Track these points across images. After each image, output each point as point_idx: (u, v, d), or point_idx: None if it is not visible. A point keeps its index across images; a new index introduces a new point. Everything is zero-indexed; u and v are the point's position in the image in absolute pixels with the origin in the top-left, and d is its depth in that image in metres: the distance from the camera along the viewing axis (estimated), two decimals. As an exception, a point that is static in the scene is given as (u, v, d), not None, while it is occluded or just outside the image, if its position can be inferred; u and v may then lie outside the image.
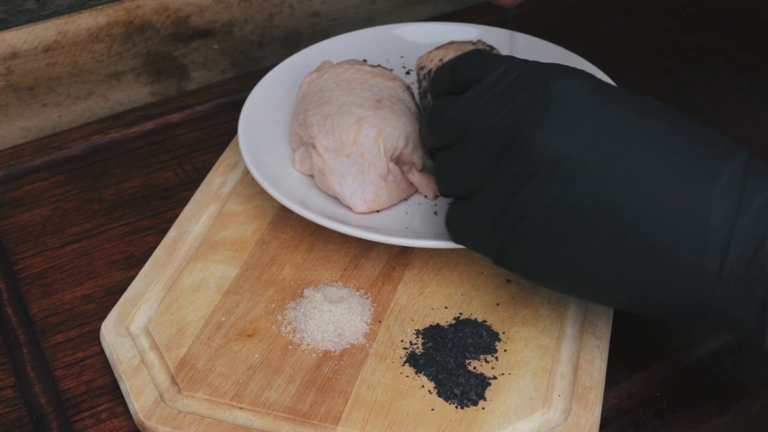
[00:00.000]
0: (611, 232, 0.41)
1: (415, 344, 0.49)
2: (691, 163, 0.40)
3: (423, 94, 0.57)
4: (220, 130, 0.68)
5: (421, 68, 0.58)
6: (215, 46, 0.78)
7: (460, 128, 0.45)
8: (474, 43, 0.57)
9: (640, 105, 0.42)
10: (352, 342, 0.49)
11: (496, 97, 0.44)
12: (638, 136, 0.41)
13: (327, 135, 0.54)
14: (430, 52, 0.58)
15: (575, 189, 0.41)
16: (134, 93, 0.76)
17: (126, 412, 0.47)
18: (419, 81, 0.58)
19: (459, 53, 0.55)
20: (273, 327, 0.50)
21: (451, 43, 0.58)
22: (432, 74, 0.54)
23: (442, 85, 0.48)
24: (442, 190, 0.49)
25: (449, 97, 0.47)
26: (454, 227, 0.48)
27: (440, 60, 0.56)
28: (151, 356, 0.49)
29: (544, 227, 0.42)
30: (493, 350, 0.48)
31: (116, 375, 0.48)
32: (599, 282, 0.42)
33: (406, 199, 0.56)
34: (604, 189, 0.40)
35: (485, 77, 0.45)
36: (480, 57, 0.47)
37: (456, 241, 0.49)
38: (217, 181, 0.60)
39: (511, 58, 0.46)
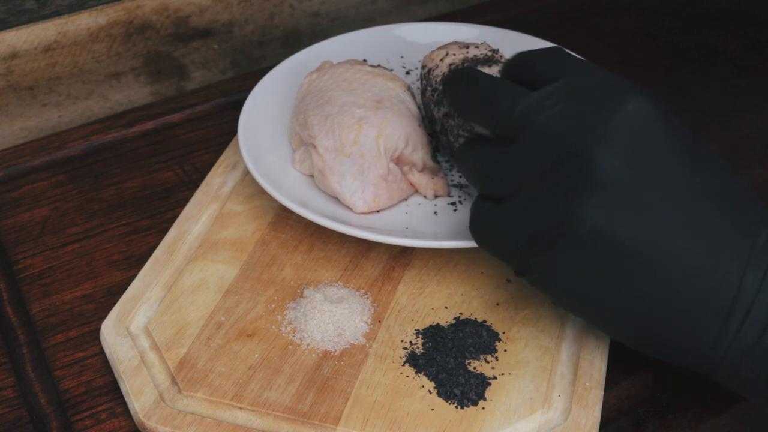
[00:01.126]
0: (642, 269, 0.40)
1: (415, 344, 0.49)
2: (732, 225, 0.40)
3: (423, 93, 0.57)
4: (220, 130, 0.68)
5: (423, 67, 0.58)
6: (215, 46, 0.78)
7: (518, 123, 0.43)
8: (477, 46, 0.57)
9: (698, 147, 0.42)
10: (352, 342, 0.49)
11: (565, 102, 0.42)
12: (692, 182, 0.40)
13: (327, 135, 0.54)
14: (432, 52, 0.58)
15: (622, 217, 0.40)
16: (134, 93, 0.76)
17: (126, 412, 0.47)
18: (421, 80, 0.58)
19: (461, 52, 0.56)
20: (273, 327, 0.50)
21: (454, 42, 0.58)
22: (461, 66, 0.52)
23: (513, 71, 0.47)
24: (476, 184, 0.46)
25: (519, 87, 0.44)
26: (480, 229, 0.46)
27: (441, 60, 0.56)
28: (151, 356, 0.49)
29: (579, 246, 0.41)
30: (493, 350, 0.48)
31: (116, 375, 0.48)
32: (611, 313, 0.42)
33: (406, 199, 0.56)
34: (648, 225, 0.40)
35: (559, 78, 0.43)
36: (558, 56, 0.45)
37: (479, 243, 0.47)
38: (217, 181, 0.60)
39: (587, 64, 0.44)
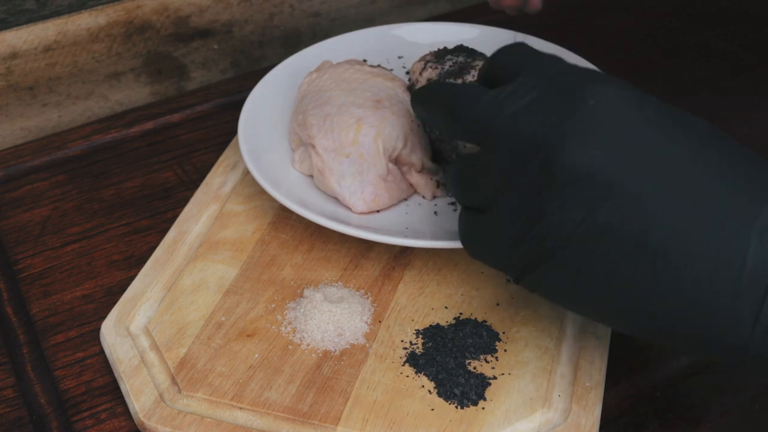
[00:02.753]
0: (638, 259, 0.37)
1: (415, 344, 0.49)
2: (733, 196, 0.37)
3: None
4: (220, 130, 0.68)
5: (409, 80, 0.59)
6: (215, 46, 0.78)
7: (480, 126, 0.41)
8: (455, 54, 0.57)
9: (684, 123, 0.39)
10: (352, 342, 0.49)
11: (527, 98, 0.40)
12: (677, 160, 0.37)
13: (326, 135, 0.54)
14: (414, 63, 0.59)
15: (603, 211, 0.37)
16: (134, 93, 0.76)
17: (126, 412, 0.47)
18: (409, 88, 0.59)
19: (437, 66, 0.56)
20: (273, 327, 0.50)
21: (430, 53, 0.59)
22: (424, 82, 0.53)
23: (484, 75, 0.45)
24: (457, 197, 0.45)
25: (479, 88, 0.43)
26: (471, 243, 0.44)
27: (420, 74, 0.57)
28: (151, 356, 0.49)
29: (567, 248, 0.39)
30: (493, 350, 0.48)
31: (116, 375, 0.48)
32: (622, 310, 0.39)
33: (405, 200, 0.56)
34: (634, 214, 0.37)
35: (519, 75, 0.41)
36: (518, 52, 0.43)
37: (472, 256, 0.45)
38: (217, 181, 0.60)
39: (548, 57, 0.42)
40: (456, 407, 0.45)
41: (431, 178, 0.56)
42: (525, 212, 0.40)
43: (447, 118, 0.44)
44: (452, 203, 0.55)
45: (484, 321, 0.50)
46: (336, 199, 0.55)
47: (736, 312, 0.36)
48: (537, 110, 0.40)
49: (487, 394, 0.46)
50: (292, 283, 0.53)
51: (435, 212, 0.55)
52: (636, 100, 0.39)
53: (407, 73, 0.67)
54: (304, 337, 0.49)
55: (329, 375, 0.47)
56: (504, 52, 0.44)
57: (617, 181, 0.37)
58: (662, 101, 0.40)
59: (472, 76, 0.54)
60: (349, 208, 0.54)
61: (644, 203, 0.37)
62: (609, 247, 0.38)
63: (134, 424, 0.47)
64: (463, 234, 0.45)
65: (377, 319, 0.50)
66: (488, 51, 0.64)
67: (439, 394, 0.46)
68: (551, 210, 0.38)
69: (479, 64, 0.55)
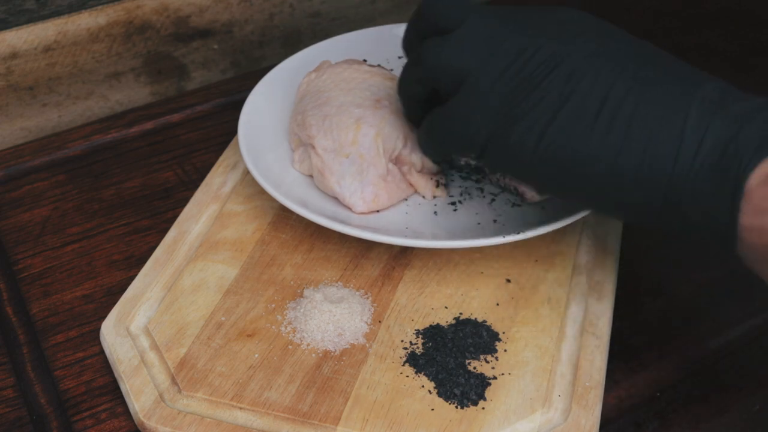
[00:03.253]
0: (594, 122, 0.42)
1: (415, 344, 0.49)
2: (672, 75, 0.43)
3: None
4: (220, 130, 0.68)
5: None
6: (215, 46, 0.78)
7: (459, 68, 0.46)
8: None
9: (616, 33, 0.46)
10: (352, 342, 0.49)
11: (489, 41, 0.45)
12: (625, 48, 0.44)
13: (326, 135, 0.54)
14: None
15: (569, 83, 0.42)
16: (134, 93, 0.76)
17: (126, 412, 0.47)
18: None
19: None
20: (273, 327, 0.50)
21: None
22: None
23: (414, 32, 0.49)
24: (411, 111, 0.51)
25: (434, 39, 0.47)
26: (437, 129, 0.48)
27: None
28: (151, 356, 0.49)
29: (543, 108, 0.43)
30: (493, 350, 0.48)
31: (116, 375, 0.48)
32: (575, 170, 0.43)
33: (405, 200, 0.56)
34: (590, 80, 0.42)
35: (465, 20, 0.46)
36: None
37: (437, 146, 0.49)
38: (217, 181, 0.60)
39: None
40: (456, 407, 0.45)
41: (431, 178, 0.56)
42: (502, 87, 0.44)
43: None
44: (452, 203, 0.55)
45: (484, 321, 0.50)
46: (336, 199, 0.55)
47: (676, 161, 0.40)
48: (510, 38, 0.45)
49: (487, 394, 0.46)
50: (292, 283, 0.53)
51: (435, 212, 0.55)
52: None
53: (407, 73, 0.67)
54: (304, 337, 0.49)
55: (329, 375, 0.47)
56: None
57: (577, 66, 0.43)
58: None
59: None
60: (349, 208, 0.54)
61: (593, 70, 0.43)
62: (571, 106, 0.43)
63: (134, 424, 0.47)
64: (429, 125, 0.49)
65: (377, 319, 0.50)
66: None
67: (439, 394, 0.46)
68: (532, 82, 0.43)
69: None
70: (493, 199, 0.55)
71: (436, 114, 0.48)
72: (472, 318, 0.50)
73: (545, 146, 0.43)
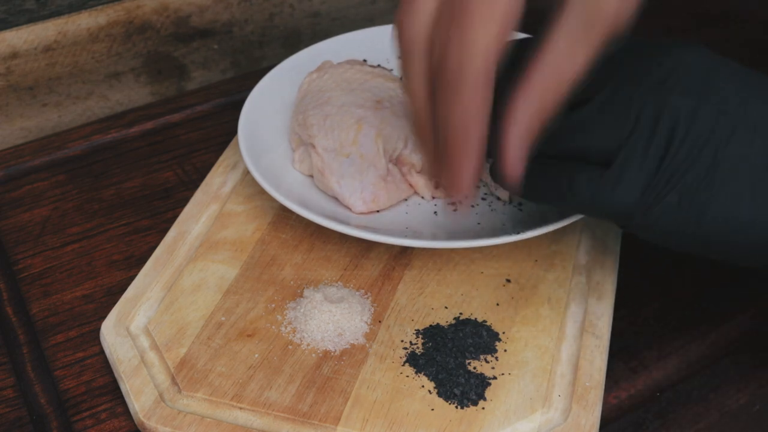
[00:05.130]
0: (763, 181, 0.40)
1: (415, 344, 0.49)
2: None
3: None
4: (220, 130, 0.68)
5: None
6: (215, 46, 0.78)
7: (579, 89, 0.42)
8: None
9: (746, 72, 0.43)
10: (352, 342, 0.49)
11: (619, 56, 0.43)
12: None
13: (326, 135, 0.54)
14: None
15: (732, 152, 0.40)
16: (134, 93, 0.76)
17: (126, 412, 0.47)
18: None
19: None
20: (273, 327, 0.50)
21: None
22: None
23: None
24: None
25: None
26: (586, 193, 0.43)
27: None
28: (151, 356, 0.49)
29: (703, 184, 0.41)
30: (493, 350, 0.48)
31: (116, 375, 0.48)
32: (746, 231, 0.41)
33: (405, 200, 0.56)
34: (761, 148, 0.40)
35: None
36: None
37: (583, 210, 0.45)
38: (217, 181, 0.60)
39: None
40: (456, 407, 0.45)
41: (431, 179, 0.56)
42: (653, 155, 0.41)
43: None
44: (452, 203, 0.55)
45: (484, 321, 0.50)
46: (336, 199, 0.55)
47: None
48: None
49: (487, 394, 0.46)
50: (292, 283, 0.53)
51: (435, 212, 0.55)
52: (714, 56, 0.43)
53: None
54: (304, 337, 0.49)
55: (329, 375, 0.47)
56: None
57: (715, 121, 0.40)
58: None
59: None
60: (349, 208, 0.54)
61: (731, 126, 0.40)
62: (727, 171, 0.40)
63: (134, 424, 0.47)
64: (578, 188, 0.43)
65: (377, 319, 0.50)
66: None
67: (439, 394, 0.46)
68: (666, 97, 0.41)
69: None
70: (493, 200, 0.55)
71: (581, 177, 0.44)
72: (472, 318, 0.50)
73: (698, 215, 0.41)
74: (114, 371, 0.49)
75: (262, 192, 0.58)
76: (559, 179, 0.44)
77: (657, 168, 0.41)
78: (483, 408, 0.45)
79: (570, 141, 0.43)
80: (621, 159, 0.42)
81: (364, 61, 0.62)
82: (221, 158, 0.63)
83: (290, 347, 0.49)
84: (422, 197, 0.56)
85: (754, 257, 0.42)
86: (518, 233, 0.50)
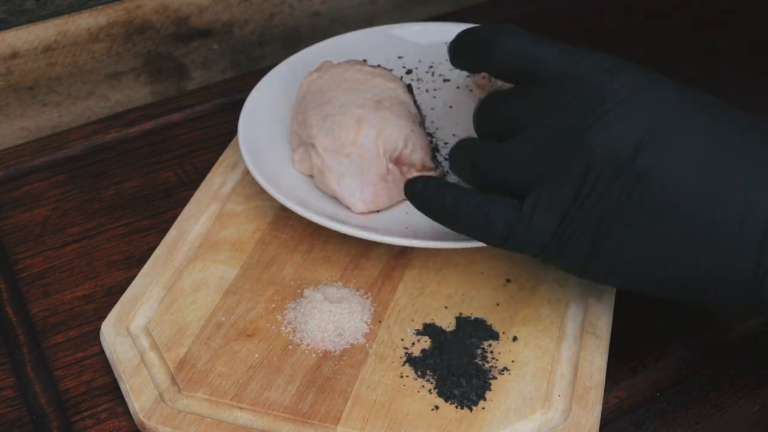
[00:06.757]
0: (673, 222, 0.40)
1: (415, 344, 0.49)
2: (755, 164, 0.40)
3: None
4: (220, 130, 0.68)
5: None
6: (215, 46, 0.78)
7: (510, 122, 0.44)
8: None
9: (704, 102, 0.43)
10: (352, 342, 0.49)
11: (549, 92, 0.43)
12: (704, 136, 0.41)
13: (327, 135, 0.54)
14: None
15: (645, 194, 0.41)
16: (134, 93, 0.76)
17: (126, 412, 0.47)
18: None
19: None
20: (273, 327, 0.50)
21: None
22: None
23: (470, 61, 0.48)
24: (491, 185, 0.46)
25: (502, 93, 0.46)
26: (510, 234, 0.44)
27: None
28: (151, 356, 0.49)
29: (614, 223, 0.41)
30: (493, 350, 0.48)
31: (116, 375, 0.48)
32: (655, 269, 0.42)
33: (405, 200, 0.56)
34: (672, 190, 0.40)
35: (533, 70, 0.44)
36: (517, 43, 0.44)
37: (509, 247, 0.45)
38: (217, 181, 0.60)
39: (553, 47, 0.44)
40: (456, 407, 0.45)
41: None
42: (567, 198, 0.42)
43: (477, 117, 0.48)
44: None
45: (484, 321, 0.50)
46: (336, 199, 0.55)
47: (755, 256, 0.39)
48: (562, 102, 0.43)
49: (487, 394, 0.46)
50: (292, 283, 0.53)
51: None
52: (658, 81, 0.42)
53: (408, 72, 0.67)
54: (304, 337, 0.49)
55: (329, 375, 0.47)
56: (501, 45, 0.45)
57: (651, 166, 0.40)
58: (678, 85, 0.44)
59: None
60: (349, 208, 0.54)
61: (678, 180, 0.40)
62: (649, 218, 0.41)
63: (134, 424, 0.47)
64: (501, 224, 0.44)
65: (377, 319, 0.50)
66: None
67: (439, 394, 0.46)
68: (595, 195, 0.41)
69: None
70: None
71: (497, 211, 0.45)
72: (472, 318, 0.50)
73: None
74: (114, 371, 0.49)
75: (262, 192, 0.58)
76: (476, 212, 0.45)
77: (570, 205, 0.42)
78: (483, 408, 0.45)
79: (492, 171, 0.45)
80: (535, 194, 0.43)
81: (364, 61, 0.62)
82: (221, 158, 0.63)
83: (290, 347, 0.49)
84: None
85: (666, 291, 0.43)
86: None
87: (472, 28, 0.48)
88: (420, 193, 0.47)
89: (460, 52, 0.49)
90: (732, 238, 0.40)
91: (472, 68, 0.49)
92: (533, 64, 0.44)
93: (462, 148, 0.48)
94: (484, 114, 0.48)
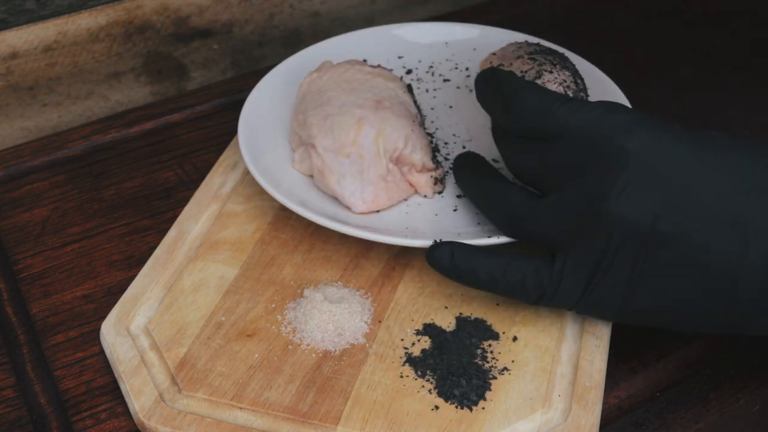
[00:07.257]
0: (693, 273, 0.43)
1: (415, 344, 0.49)
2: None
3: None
4: (220, 130, 0.68)
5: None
6: (215, 46, 0.78)
7: (539, 179, 0.47)
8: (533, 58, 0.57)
9: (716, 147, 0.43)
10: (352, 342, 0.49)
11: (572, 152, 0.45)
12: (717, 189, 0.42)
13: (327, 135, 0.54)
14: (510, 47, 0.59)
15: (669, 257, 0.42)
16: (134, 93, 0.76)
17: (126, 412, 0.47)
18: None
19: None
20: (273, 327, 0.50)
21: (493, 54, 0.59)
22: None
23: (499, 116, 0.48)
24: (524, 235, 0.49)
25: (549, 91, 0.46)
26: (539, 291, 0.47)
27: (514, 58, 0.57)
28: (151, 356, 0.49)
29: (640, 283, 0.44)
30: (492, 350, 0.48)
31: (116, 375, 0.48)
32: (690, 314, 0.44)
33: (405, 200, 0.56)
34: (693, 253, 0.42)
35: (543, 128, 0.45)
36: (536, 103, 0.46)
37: (541, 303, 0.48)
38: (217, 181, 0.60)
39: (572, 105, 0.45)
40: (456, 407, 0.45)
41: (431, 176, 0.56)
42: (590, 259, 0.44)
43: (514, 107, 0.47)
44: (452, 203, 0.55)
45: (484, 321, 0.50)
46: (336, 199, 0.55)
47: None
48: (575, 165, 0.45)
49: (487, 394, 0.46)
50: (292, 283, 0.53)
51: (435, 213, 0.55)
52: (669, 136, 0.43)
53: (408, 72, 0.67)
54: (304, 337, 0.49)
55: (329, 375, 0.47)
56: (521, 102, 0.46)
57: (670, 231, 0.42)
58: (692, 128, 0.45)
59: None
60: (348, 208, 0.54)
61: (691, 238, 0.42)
62: (672, 273, 0.43)
63: (134, 424, 0.47)
64: (532, 286, 0.47)
65: (377, 319, 0.50)
66: (488, 50, 0.64)
67: (439, 394, 0.46)
68: (617, 258, 0.44)
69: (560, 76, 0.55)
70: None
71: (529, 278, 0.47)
72: (472, 318, 0.50)
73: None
74: (114, 371, 0.49)
75: (262, 192, 0.58)
76: (512, 280, 0.47)
77: (595, 270, 0.44)
78: (483, 408, 0.45)
79: (527, 228, 0.48)
80: (562, 257, 0.45)
81: (364, 61, 0.62)
82: (221, 158, 0.63)
83: (290, 347, 0.49)
84: (423, 196, 0.56)
85: (703, 327, 0.46)
86: (518, 233, 0.50)
87: (495, 74, 0.49)
88: (450, 267, 0.48)
89: (481, 99, 0.50)
90: (761, 283, 0.41)
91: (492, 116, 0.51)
92: (555, 123, 0.45)
93: (497, 196, 0.49)
94: (512, 158, 0.49)
